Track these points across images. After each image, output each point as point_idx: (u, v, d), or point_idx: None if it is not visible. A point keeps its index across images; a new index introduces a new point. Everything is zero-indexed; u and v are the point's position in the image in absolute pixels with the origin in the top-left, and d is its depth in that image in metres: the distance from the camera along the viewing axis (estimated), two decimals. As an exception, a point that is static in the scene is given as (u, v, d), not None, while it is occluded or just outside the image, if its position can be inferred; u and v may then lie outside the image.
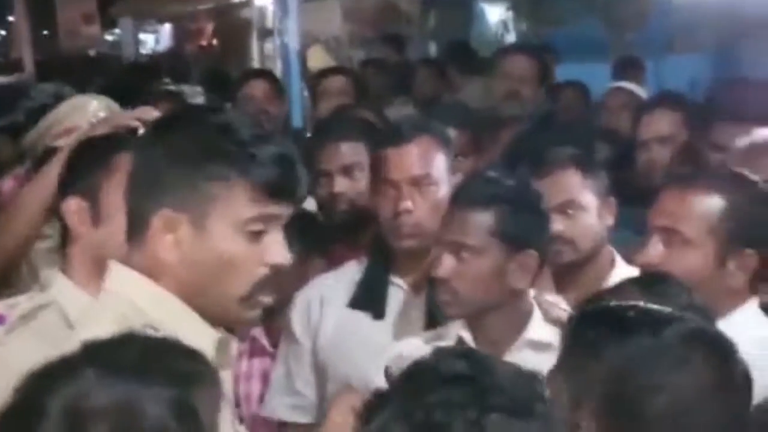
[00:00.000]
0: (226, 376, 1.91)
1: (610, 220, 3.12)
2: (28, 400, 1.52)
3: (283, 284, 3.14)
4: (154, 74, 10.64)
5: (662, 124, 4.07)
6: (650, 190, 2.84)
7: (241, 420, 2.66)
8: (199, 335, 1.89)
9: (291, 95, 8.09)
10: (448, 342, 2.64)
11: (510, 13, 11.80)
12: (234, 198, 1.93)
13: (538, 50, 5.58)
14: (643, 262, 2.62)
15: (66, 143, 3.08)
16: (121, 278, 1.99)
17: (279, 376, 3.17)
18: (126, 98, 4.29)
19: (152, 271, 1.96)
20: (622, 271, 2.97)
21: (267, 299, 2.00)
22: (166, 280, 1.96)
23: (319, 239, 3.40)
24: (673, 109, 4.12)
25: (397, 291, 3.03)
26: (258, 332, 3.36)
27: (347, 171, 3.42)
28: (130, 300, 1.96)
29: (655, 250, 2.60)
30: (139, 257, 1.98)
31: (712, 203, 2.59)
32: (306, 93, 7.69)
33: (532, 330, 2.68)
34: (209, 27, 17.62)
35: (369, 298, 3.04)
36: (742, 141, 3.09)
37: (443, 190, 2.94)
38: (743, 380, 1.83)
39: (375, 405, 1.52)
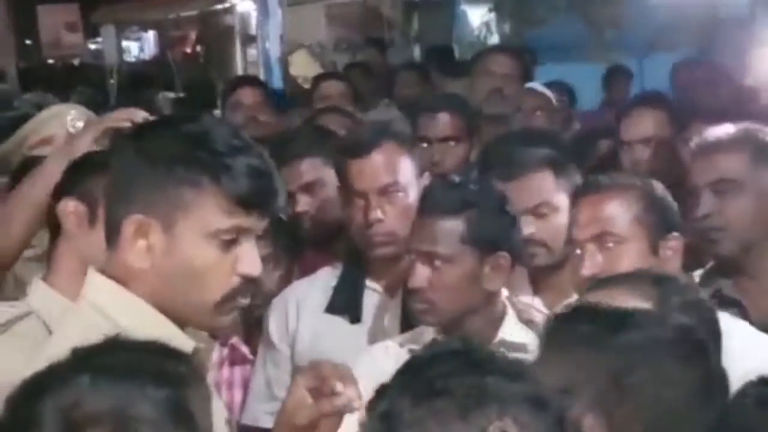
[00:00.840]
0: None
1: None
2: (22, 411, 1.50)
3: (266, 292, 3.17)
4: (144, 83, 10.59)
5: (645, 125, 4.06)
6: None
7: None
8: (172, 343, 1.89)
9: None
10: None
11: (492, 15, 11.81)
12: (205, 206, 1.92)
13: (518, 51, 5.58)
14: (587, 276, 2.65)
15: (50, 152, 3.05)
16: (95, 286, 1.99)
17: (258, 384, 3.16)
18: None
19: (125, 277, 1.95)
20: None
21: (243, 302, 1.99)
22: (138, 286, 1.95)
23: (291, 246, 3.40)
24: (654, 109, 4.12)
25: (372, 295, 3.03)
26: (236, 340, 3.36)
27: (308, 189, 3.43)
28: (101, 308, 1.95)
29: (594, 260, 2.68)
30: (112, 263, 1.97)
31: (630, 197, 2.72)
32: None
33: (506, 331, 2.68)
34: (192, 34, 17.61)
35: (345, 303, 3.03)
36: (695, 140, 3.09)
37: (412, 194, 2.93)
38: (721, 379, 1.84)
39: (379, 393, 1.54)
